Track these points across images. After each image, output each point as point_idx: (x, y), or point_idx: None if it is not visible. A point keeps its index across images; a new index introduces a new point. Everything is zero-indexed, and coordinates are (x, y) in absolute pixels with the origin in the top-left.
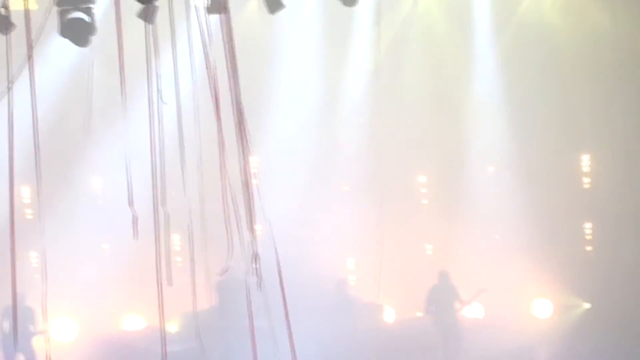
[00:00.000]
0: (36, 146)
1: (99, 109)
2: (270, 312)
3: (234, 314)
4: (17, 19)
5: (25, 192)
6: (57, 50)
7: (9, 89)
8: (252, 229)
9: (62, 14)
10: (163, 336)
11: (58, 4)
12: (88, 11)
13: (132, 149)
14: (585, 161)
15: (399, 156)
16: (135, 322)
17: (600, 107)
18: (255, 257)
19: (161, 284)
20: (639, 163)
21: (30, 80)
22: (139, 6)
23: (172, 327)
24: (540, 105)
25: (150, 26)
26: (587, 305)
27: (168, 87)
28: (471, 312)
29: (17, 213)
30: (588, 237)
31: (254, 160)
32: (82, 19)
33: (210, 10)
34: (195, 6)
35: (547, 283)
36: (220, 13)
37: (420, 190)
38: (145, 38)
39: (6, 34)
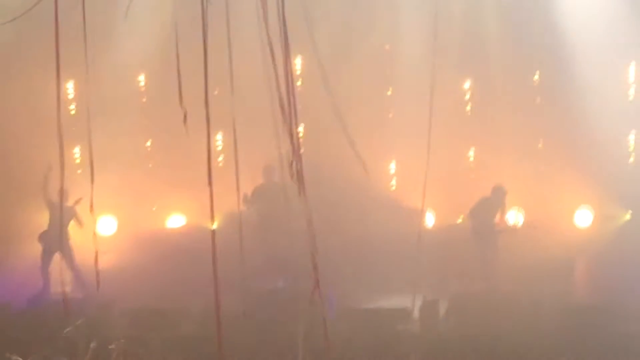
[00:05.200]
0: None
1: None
2: (309, 215)
3: (273, 215)
4: None
5: (69, 87)
6: None
7: None
8: (293, 131)
9: None
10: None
11: None
12: None
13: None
14: (631, 72)
15: (445, 61)
16: (176, 220)
17: None
18: (296, 159)
19: (211, 183)
20: None
21: None
22: None
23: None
24: (590, 16)
25: None
26: (628, 216)
27: None
28: (511, 220)
29: (61, 108)
30: (631, 148)
31: (297, 62)
32: None
33: None
34: None
35: (589, 193)
36: None
37: (464, 95)
38: None
39: None
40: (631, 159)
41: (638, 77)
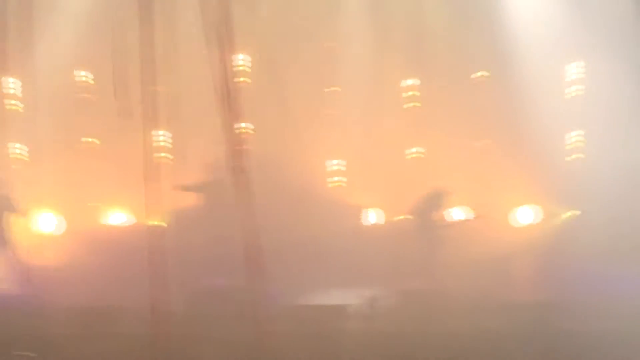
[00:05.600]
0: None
1: None
2: (254, 210)
3: (218, 211)
4: None
5: (9, 83)
6: None
7: None
8: (233, 126)
9: None
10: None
11: None
12: None
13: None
14: (572, 71)
15: (388, 58)
16: (117, 217)
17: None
18: (240, 153)
19: (150, 178)
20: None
21: None
22: None
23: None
24: (533, 14)
25: None
26: (570, 213)
27: None
28: (455, 216)
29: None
30: (571, 146)
31: (242, 59)
32: None
33: None
34: None
35: (532, 190)
36: None
37: (409, 93)
38: None
39: None
40: (572, 157)
41: (578, 76)
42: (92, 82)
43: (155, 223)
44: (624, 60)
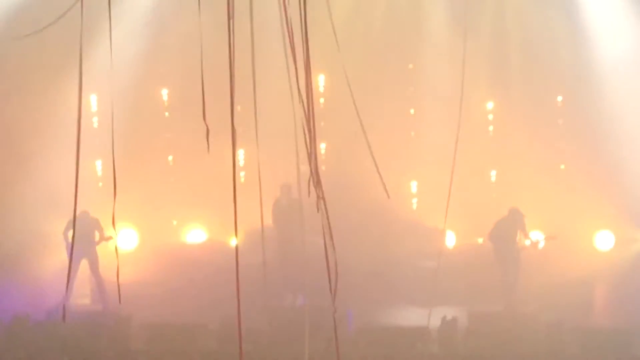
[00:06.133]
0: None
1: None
2: (328, 232)
3: (292, 231)
4: None
5: (92, 100)
6: None
7: None
8: (313, 147)
9: None
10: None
11: None
12: None
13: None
14: None
15: (468, 82)
16: (197, 234)
17: None
18: (315, 176)
19: (235, 198)
20: None
21: None
22: None
23: (233, 241)
24: (614, 38)
25: None
26: None
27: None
28: (533, 239)
29: (83, 121)
30: None
31: (320, 79)
32: None
33: None
34: None
35: (610, 216)
36: None
37: (487, 116)
38: None
39: None
40: None
41: None
42: (171, 99)
43: (233, 241)
44: None
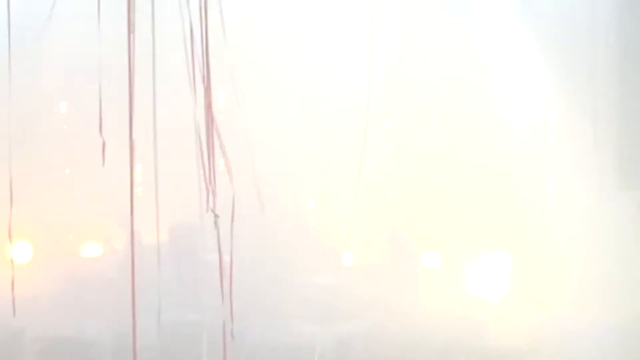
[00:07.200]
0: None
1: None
2: (224, 248)
3: (190, 248)
4: None
5: None
6: None
7: None
8: (210, 163)
9: None
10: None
11: None
12: None
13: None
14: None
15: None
16: (93, 248)
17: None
18: (212, 192)
19: (132, 213)
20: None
21: None
22: None
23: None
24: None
25: None
26: (543, 262)
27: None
28: (428, 261)
29: None
30: (549, 194)
31: (221, 95)
32: None
33: None
34: None
35: (506, 235)
36: None
37: (385, 136)
38: None
39: None
40: (548, 204)
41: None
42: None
43: (129, 256)
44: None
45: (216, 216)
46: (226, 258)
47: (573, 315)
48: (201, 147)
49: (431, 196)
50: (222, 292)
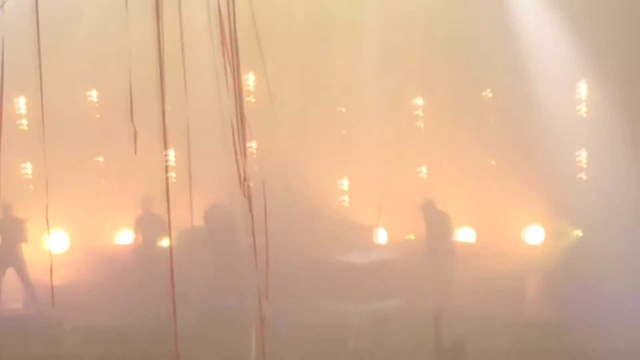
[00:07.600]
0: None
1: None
2: (261, 230)
3: (223, 231)
4: None
5: (21, 103)
6: None
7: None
8: (243, 147)
9: None
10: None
11: None
12: None
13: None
14: (582, 89)
15: (396, 78)
16: (129, 236)
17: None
18: (245, 176)
19: (168, 199)
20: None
21: None
22: None
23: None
24: (541, 34)
25: None
26: (579, 233)
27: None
28: (464, 236)
29: (11, 123)
30: (582, 165)
31: (250, 79)
32: None
33: None
34: None
35: (540, 210)
36: None
37: (416, 113)
38: None
39: None
40: (582, 176)
41: (589, 95)
42: (100, 101)
43: (163, 243)
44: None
45: (249, 200)
46: (261, 240)
47: (608, 291)
48: (233, 133)
49: (464, 172)
50: (258, 274)
